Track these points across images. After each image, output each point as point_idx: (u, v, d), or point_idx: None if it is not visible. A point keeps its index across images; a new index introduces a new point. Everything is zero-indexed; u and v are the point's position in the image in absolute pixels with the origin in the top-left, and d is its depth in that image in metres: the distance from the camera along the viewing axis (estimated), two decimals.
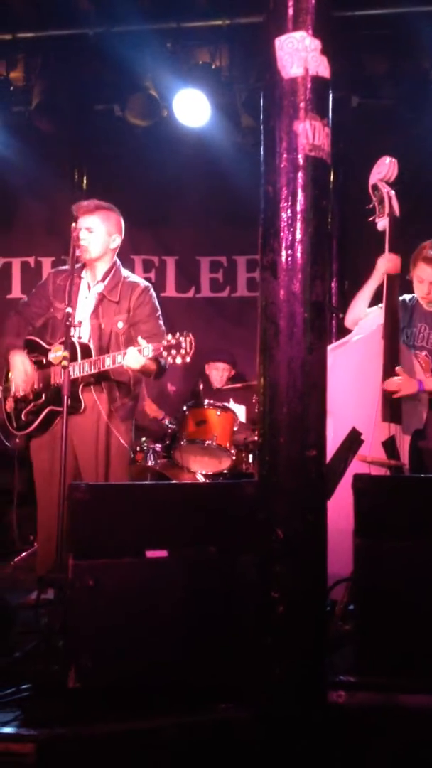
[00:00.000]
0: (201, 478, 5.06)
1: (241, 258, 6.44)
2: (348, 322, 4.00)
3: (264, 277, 2.05)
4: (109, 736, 2.32)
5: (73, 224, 3.77)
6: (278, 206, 2.02)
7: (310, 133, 2.01)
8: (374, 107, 5.79)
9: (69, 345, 3.53)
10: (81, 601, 2.46)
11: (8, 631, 3.11)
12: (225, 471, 5.14)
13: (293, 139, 2.02)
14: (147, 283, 4.07)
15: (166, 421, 5.41)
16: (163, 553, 2.54)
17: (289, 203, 2.01)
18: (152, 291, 4.03)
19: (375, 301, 3.92)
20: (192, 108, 5.64)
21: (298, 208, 2.01)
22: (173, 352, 3.58)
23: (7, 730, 2.33)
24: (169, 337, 3.62)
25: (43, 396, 3.90)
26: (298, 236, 2.00)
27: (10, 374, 3.97)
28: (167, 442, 5.27)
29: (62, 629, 2.67)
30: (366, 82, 5.64)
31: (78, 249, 3.72)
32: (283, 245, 2.01)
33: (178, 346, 3.57)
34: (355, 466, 3.44)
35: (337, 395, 3.22)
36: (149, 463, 5.16)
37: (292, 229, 2.00)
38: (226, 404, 5.26)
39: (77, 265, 3.78)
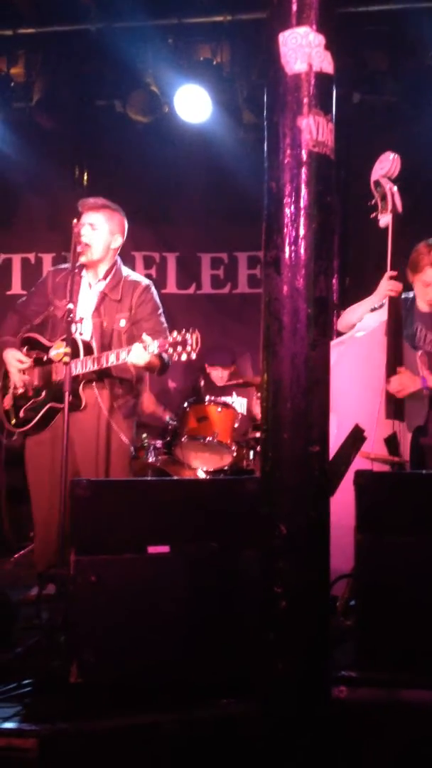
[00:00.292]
0: (202, 475, 5.06)
1: (242, 254, 6.44)
2: (341, 326, 4.00)
3: (267, 273, 2.05)
4: (111, 731, 2.32)
5: (75, 220, 3.77)
6: (282, 202, 2.02)
7: (314, 129, 2.01)
8: (376, 104, 5.79)
9: (70, 341, 3.53)
10: (83, 597, 2.47)
11: (10, 626, 3.11)
12: (226, 467, 5.14)
13: (297, 135, 2.01)
14: (148, 281, 4.07)
15: (167, 418, 5.41)
16: (165, 549, 2.54)
17: (293, 199, 2.01)
18: (153, 289, 4.04)
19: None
20: (193, 104, 5.64)
21: (302, 204, 2.00)
22: (179, 348, 3.58)
23: (9, 725, 2.34)
24: (175, 333, 3.62)
25: (43, 393, 3.90)
26: (302, 232, 2.00)
27: (8, 372, 3.97)
28: (168, 438, 5.26)
29: (64, 625, 2.67)
30: (368, 79, 5.62)
31: (79, 245, 3.71)
32: (287, 241, 2.00)
33: (183, 343, 3.57)
34: (358, 463, 3.44)
35: (340, 392, 3.22)
36: (150, 460, 5.17)
37: (295, 225, 2.00)
38: (227, 401, 5.26)
39: (77, 263, 3.78)
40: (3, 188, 6.41)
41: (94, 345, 3.82)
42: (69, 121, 5.97)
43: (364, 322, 3.88)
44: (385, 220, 3.83)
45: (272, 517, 2.01)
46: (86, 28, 5.55)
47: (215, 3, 5.48)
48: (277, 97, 2.06)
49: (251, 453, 5.25)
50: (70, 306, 3.52)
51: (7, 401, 3.98)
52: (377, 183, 3.88)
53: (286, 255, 2.01)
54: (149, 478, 4.91)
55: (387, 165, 3.86)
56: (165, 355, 3.74)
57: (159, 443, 5.25)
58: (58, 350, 3.76)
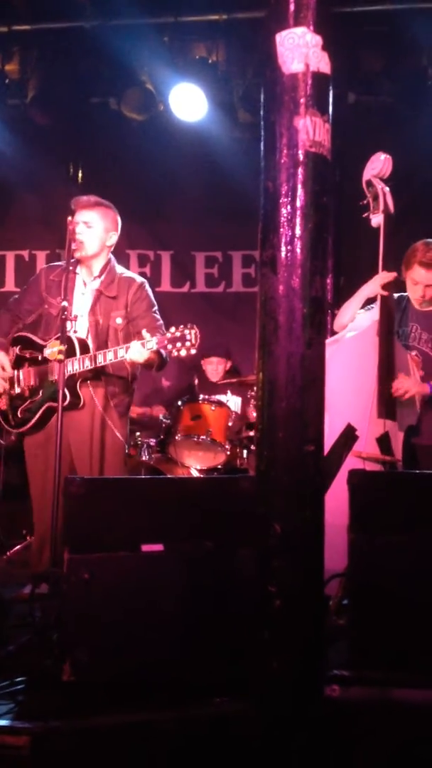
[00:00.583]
0: (195, 473, 5.06)
1: (237, 253, 6.44)
2: (336, 326, 4.01)
3: (263, 272, 2.05)
4: (104, 729, 2.32)
5: (70, 218, 3.76)
6: (278, 202, 2.03)
7: (311, 129, 2.01)
8: (371, 104, 5.81)
9: (65, 339, 3.52)
10: (76, 595, 2.46)
11: (2, 624, 3.11)
12: (219, 466, 5.15)
13: (293, 135, 2.02)
14: (142, 279, 4.06)
15: (161, 416, 5.41)
16: (158, 547, 2.54)
17: (289, 199, 2.01)
18: (148, 286, 4.03)
19: (366, 303, 3.92)
20: (188, 102, 5.64)
21: (298, 204, 2.01)
22: (178, 344, 3.57)
23: (2, 722, 2.33)
24: (173, 329, 3.62)
25: (40, 393, 3.88)
26: (298, 232, 2.01)
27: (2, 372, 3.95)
28: (162, 436, 5.27)
29: (57, 623, 2.67)
30: (363, 79, 5.65)
31: (74, 243, 3.71)
32: (283, 241, 2.01)
33: (183, 339, 3.57)
34: (350, 462, 3.45)
35: (332, 391, 3.23)
36: (143, 458, 5.17)
37: (291, 225, 2.01)
38: (221, 399, 5.27)
39: (71, 260, 3.77)
40: None
41: (90, 343, 3.81)
42: (64, 119, 5.96)
43: (356, 321, 3.89)
44: (377, 220, 3.85)
45: (267, 516, 2.02)
46: (81, 25, 5.55)
47: (211, 2, 5.48)
48: (273, 97, 2.07)
49: (245, 452, 5.26)
50: (65, 303, 3.51)
51: (3, 402, 3.96)
52: (369, 183, 3.90)
53: (283, 254, 2.02)
54: (143, 476, 4.91)
55: (378, 165, 3.88)
56: (163, 352, 3.74)
57: (152, 441, 5.26)
58: (52, 349, 3.74)
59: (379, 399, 3.62)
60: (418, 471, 3.63)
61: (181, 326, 3.59)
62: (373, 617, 2.60)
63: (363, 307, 3.90)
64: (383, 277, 3.74)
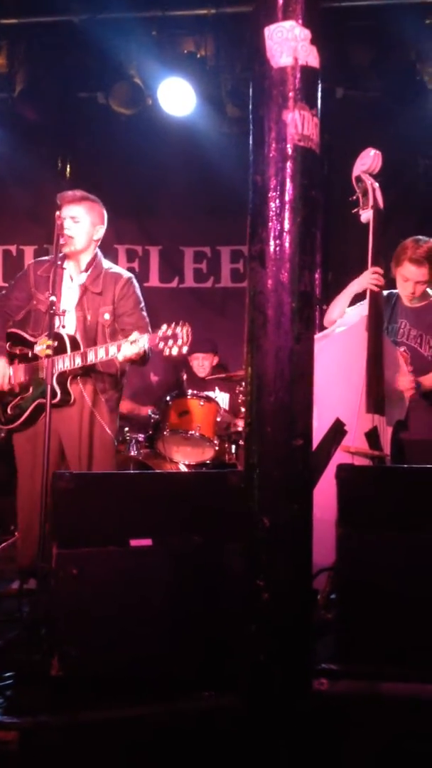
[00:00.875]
0: (184, 469, 5.06)
1: (225, 248, 6.43)
2: (326, 321, 4.01)
3: (252, 266, 2.05)
4: (93, 723, 2.32)
5: (57, 212, 3.74)
6: (267, 196, 2.02)
7: (299, 123, 2.01)
8: (359, 99, 5.80)
9: (54, 334, 3.50)
10: (65, 590, 2.46)
11: None
12: (208, 461, 5.15)
13: (282, 129, 2.01)
14: (129, 274, 4.05)
15: (149, 412, 5.41)
16: (147, 542, 2.54)
17: (278, 193, 2.01)
18: (135, 282, 4.02)
19: (355, 299, 3.92)
20: (177, 97, 5.63)
21: (287, 198, 2.01)
22: (170, 342, 3.57)
23: None
24: (164, 327, 3.61)
25: (30, 389, 3.86)
26: (287, 226, 2.00)
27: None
28: (150, 432, 5.26)
29: (45, 618, 2.67)
30: (351, 74, 5.63)
31: (62, 238, 3.69)
32: (272, 235, 2.01)
33: (174, 337, 3.56)
34: (339, 457, 3.46)
35: (321, 386, 3.23)
36: (132, 453, 5.16)
37: (280, 219, 2.00)
38: (210, 394, 5.26)
39: (59, 254, 3.76)
40: None
41: (79, 339, 3.80)
42: (51, 113, 5.94)
43: (345, 317, 3.90)
44: (366, 215, 3.86)
45: (255, 510, 2.02)
46: (69, 19, 5.51)
47: None
48: (262, 91, 2.06)
49: (233, 447, 5.26)
50: (53, 298, 3.50)
51: None
52: (359, 179, 3.90)
53: (271, 249, 2.02)
54: (132, 471, 4.91)
55: (368, 161, 3.88)
56: (150, 348, 3.73)
57: (141, 437, 5.25)
58: (43, 345, 3.72)
59: (368, 394, 3.63)
60: (406, 466, 3.64)
61: (173, 324, 3.58)
62: (360, 611, 2.61)
63: (352, 303, 3.91)
64: (372, 279, 3.74)
